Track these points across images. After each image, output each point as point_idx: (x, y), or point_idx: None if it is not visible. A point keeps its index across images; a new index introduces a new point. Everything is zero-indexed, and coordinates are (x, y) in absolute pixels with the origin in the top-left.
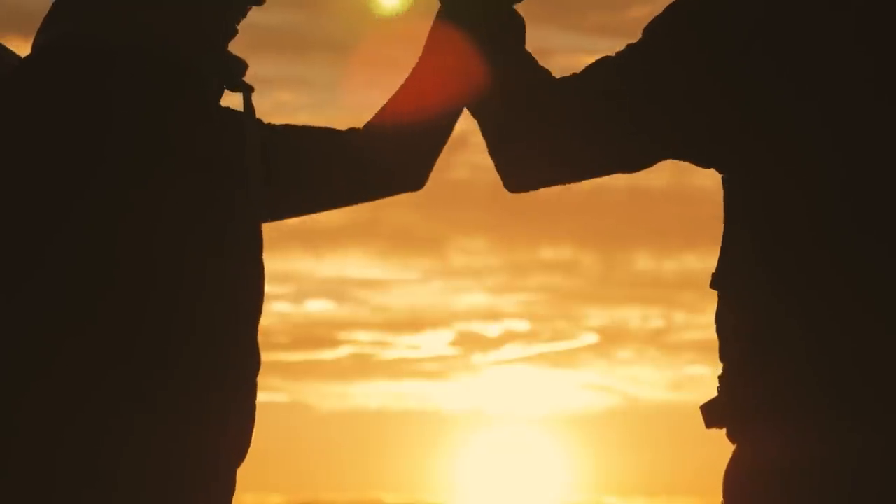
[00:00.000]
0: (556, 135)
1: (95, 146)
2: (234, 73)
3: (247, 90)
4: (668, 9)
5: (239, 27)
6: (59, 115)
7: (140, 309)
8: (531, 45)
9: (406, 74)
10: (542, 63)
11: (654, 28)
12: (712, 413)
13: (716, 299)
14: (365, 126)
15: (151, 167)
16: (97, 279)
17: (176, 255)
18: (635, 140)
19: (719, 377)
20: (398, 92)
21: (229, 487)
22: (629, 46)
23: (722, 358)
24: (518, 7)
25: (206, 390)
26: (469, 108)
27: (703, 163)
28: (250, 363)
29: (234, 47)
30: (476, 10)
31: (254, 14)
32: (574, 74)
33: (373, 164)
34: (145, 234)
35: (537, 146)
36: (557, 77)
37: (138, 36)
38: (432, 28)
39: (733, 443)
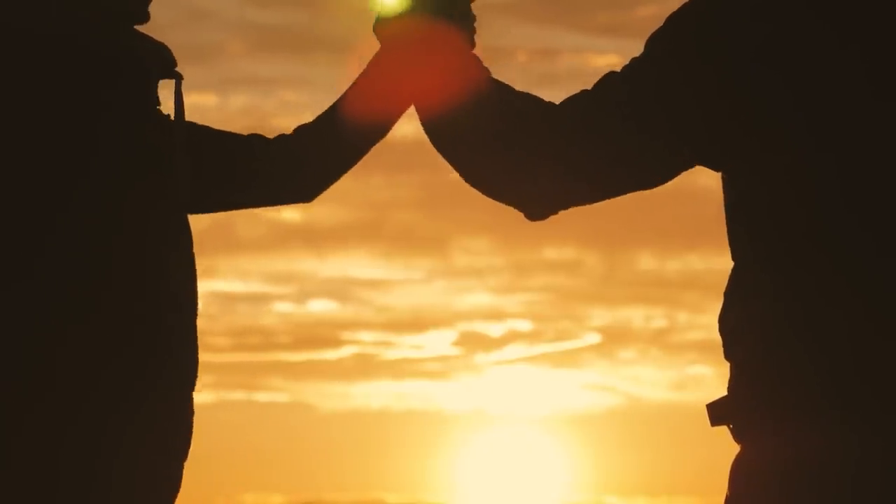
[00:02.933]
0: (575, 152)
1: (32, 136)
2: (168, 61)
3: (178, 78)
4: (670, 21)
5: (240, 29)
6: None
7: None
8: (537, 45)
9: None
10: (546, 63)
11: (657, 41)
12: (717, 412)
13: (717, 300)
14: (281, 134)
15: (88, 156)
16: (31, 274)
17: (106, 246)
18: (653, 154)
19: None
20: (332, 106)
21: (177, 486)
22: (634, 60)
23: (726, 357)
24: (524, 7)
25: (148, 383)
26: (448, 140)
27: (713, 167)
28: (187, 355)
29: (239, 47)
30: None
31: (257, 14)
32: (583, 91)
33: (263, 173)
34: (77, 224)
35: (554, 165)
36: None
37: (72, 23)
38: (388, 48)
39: (738, 443)
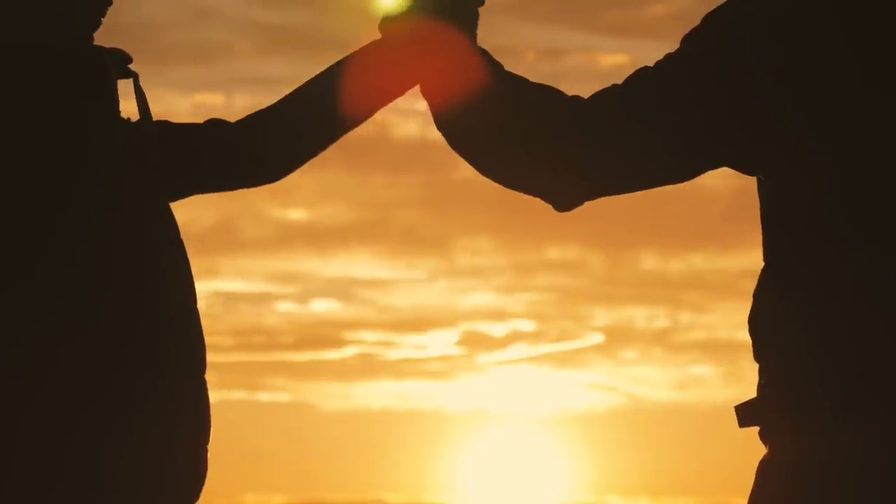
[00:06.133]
0: (601, 146)
1: (10, 142)
2: (124, 60)
3: (136, 77)
4: (706, 21)
5: (246, 28)
6: None
7: (86, 303)
8: (545, 45)
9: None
10: (554, 63)
11: (695, 40)
12: (746, 413)
13: (720, 299)
14: (246, 117)
15: (79, 158)
16: (34, 276)
17: (104, 246)
18: (684, 152)
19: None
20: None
21: (203, 471)
22: (668, 58)
23: (755, 358)
24: (532, 7)
25: (150, 379)
26: (459, 138)
27: (748, 170)
28: (195, 346)
29: (245, 47)
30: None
31: (262, 14)
32: (614, 86)
33: (219, 157)
34: (66, 224)
35: (579, 160)
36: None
37: (33, 32)
38: (393, 35)
39: (765, 444)
